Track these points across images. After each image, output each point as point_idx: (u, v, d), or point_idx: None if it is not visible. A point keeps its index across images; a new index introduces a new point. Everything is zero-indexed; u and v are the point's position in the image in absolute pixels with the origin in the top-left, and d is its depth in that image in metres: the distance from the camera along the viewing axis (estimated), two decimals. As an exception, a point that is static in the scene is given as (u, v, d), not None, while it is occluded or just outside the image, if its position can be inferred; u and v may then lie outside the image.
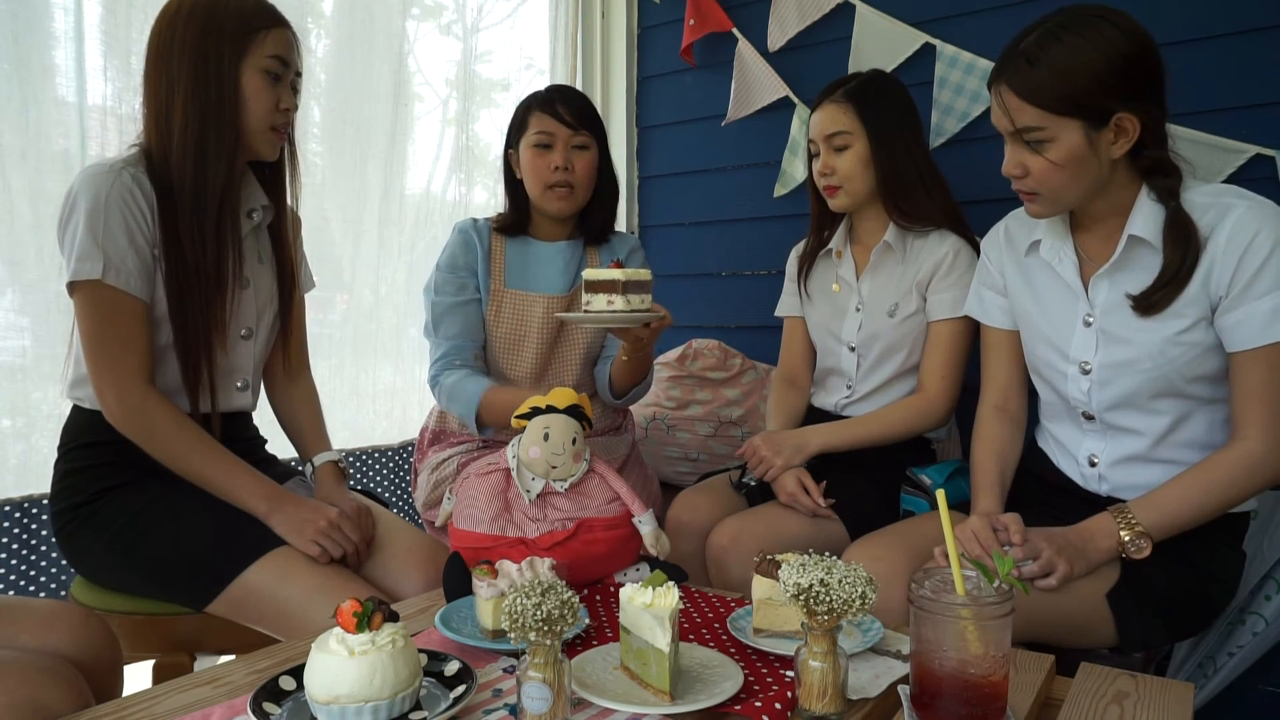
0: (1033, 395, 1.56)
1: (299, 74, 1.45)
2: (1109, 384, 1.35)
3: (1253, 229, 1.23)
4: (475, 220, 1.90)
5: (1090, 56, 1.22)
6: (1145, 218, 1.30)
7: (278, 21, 1.39)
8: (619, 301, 1.47)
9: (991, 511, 1.39)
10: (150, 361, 1.34)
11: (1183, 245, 1.26)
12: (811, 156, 1.80)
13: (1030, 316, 1.47)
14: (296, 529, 1.33)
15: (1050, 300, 1.43)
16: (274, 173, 1.52)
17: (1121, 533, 1.27)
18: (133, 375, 1.32)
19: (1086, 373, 1.37)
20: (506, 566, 1.16)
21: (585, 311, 1.50)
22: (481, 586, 1.12)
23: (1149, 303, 1.29)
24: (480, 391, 1.71)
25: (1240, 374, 1.27)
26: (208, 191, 1.35)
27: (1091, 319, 1.37)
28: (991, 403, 1.55)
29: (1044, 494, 1.48)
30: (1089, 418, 1.40)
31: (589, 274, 1.50)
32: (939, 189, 1.75)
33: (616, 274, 1.46)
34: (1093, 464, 1.41)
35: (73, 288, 1.31)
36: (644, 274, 1.50)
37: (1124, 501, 1.31)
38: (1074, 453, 1.44)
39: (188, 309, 1.36)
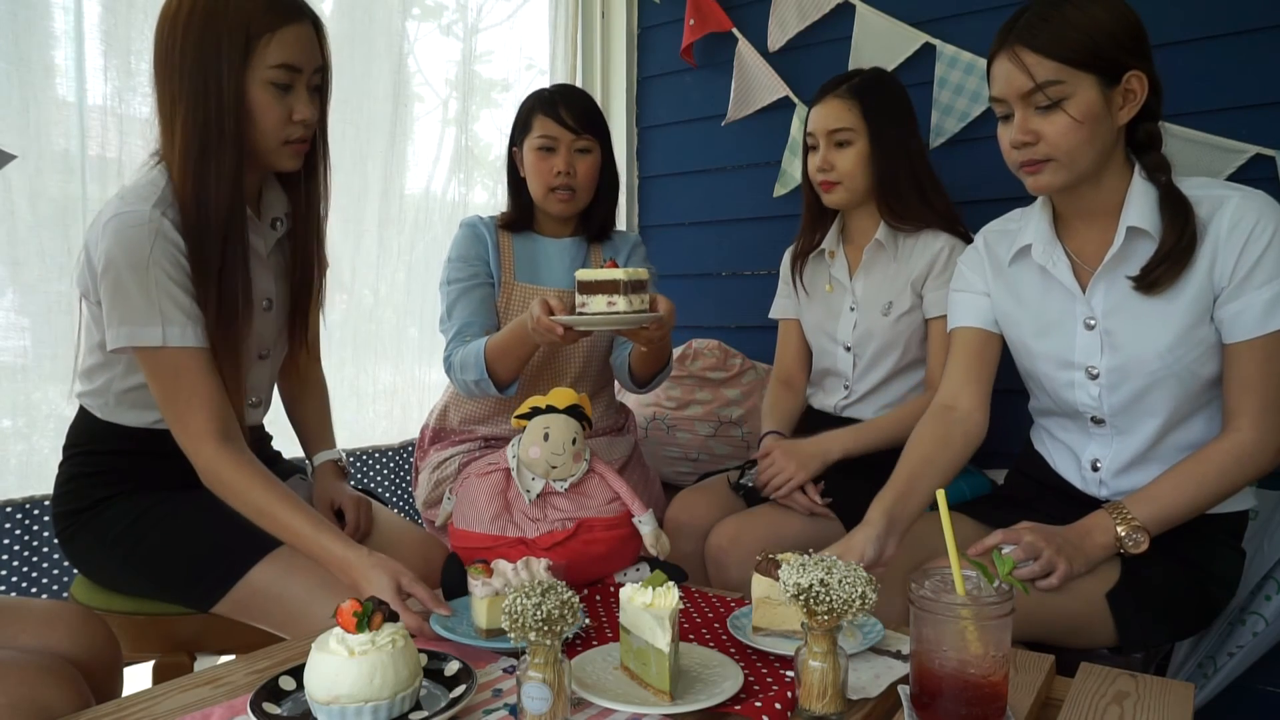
0: (1025, 396, 1.55)
1: (320, 69, 1.33)
2: (1119, 387, 1.34)
3: (1253, 218, 1.23)
4: (480, 217, 1.92)
5: (1101, 15, 1.25)
6: (1140, 207, 1.29)
7: (286, 19, 1.26)
8: (620, 302, 1.41)
9: (871, 522, 1.29)
10: (219, 410, 1.27)
11: (1180, 221, 1.26)
12: (808, 151, 1.80)
13: (1022, 327, 1.44)
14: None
15: (1044, 307, 1.40)
16: (300, 180, 1.43)
17: (1118, 528, 1.27)
18: (200, 435, 1.26)
19: (1095, 377, 1.36)
20: (502, 566, 1.15)
21: (580, 313, 1.44)
22: (476, 586, 1.12)
23: (1150, 280, 1.27)
24: (482, 347, 1.68)
25: (1235, 364, 1.26)
26: (211, 221, 1.26)
27: (1093, 321, 1.35)
28: (940, 400, 1.49)
29: (1040, 496, 1.48)
30: (1098, 421, 1.39)
31: (582, 274, 1.44)
32: (935, 192, 1.75)
33: (618, 274, 1.41)
34: (1095, 469, 1.41)
35: (132, 349, 1.25)
36: (642, 273, 1.46)
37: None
38: (1078, 455, 1.43)
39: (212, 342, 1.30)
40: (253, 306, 1.34)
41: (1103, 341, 1.34)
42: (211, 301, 1.28)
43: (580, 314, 1.44)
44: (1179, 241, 1.25)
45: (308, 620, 1.24)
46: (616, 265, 1.44)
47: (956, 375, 1.50)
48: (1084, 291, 1.36)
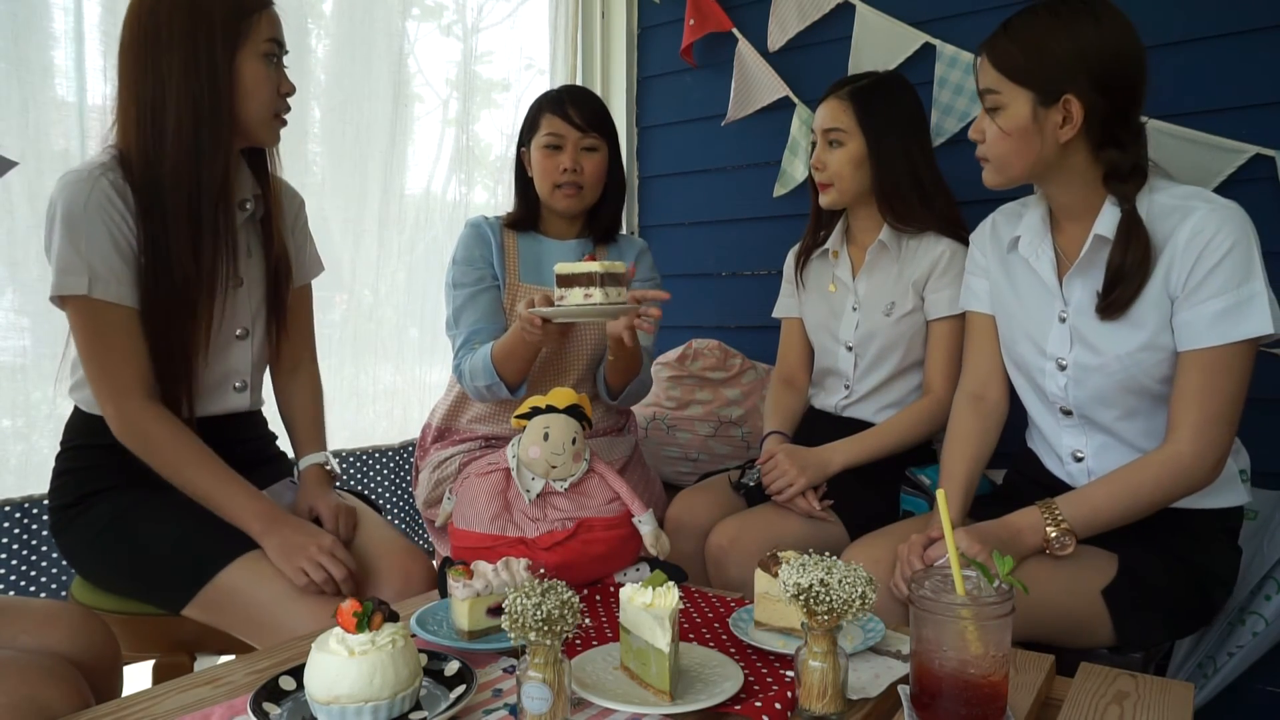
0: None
1: (286, 52, 1.41)
2: (1084, 381, 1.36)
3: (1212, 230, 1.22)
4: (485, 217, 1.93)
5: (1058, 39, 1.27)
6: (1111, 218, 1.31)
7: (268, 1, 1.35)
8: (597, 294, 1.43)
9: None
10: (146, 369, 1.31)
11: (1124, 244, 1.27)
12: (814, 149, 1.81)
13: (1011, 311, 1.47)
14: (286, 555, 1.27)
15: (1029, 296, 1.43)
16: (261, 159, 1.47)
17: (1048, 529, 1.28)
18: (127, 389, 1.29)
19: (1063, 369, 1.38)
20: (482, 567, 1.15)
21: (558, 305, 1.47)
22: (457, 587, 1.12)
23: (1106, 304, 1.30)
24: (489, 353, 1.72)
25: (1180, 375, 1.27)
26: (202, 192, 1.30)
27: (1066, 315, 1.38)
28: (969, 390, 1.54)
29: (1036, 494, 1.48)
30: (1067, 413, 1.40)
31: (561, 268, 1.47)
32: (940, 196, 1.75)
33: (594, 266, 1.44)
34: (1078, 459, 1.41)
35: (61, 301, 1.28)
36: (619, 266, 1.47)
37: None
38: (1057, 450, 1.45)
39: (170, 316, 1.32)
40: (216, 284, 1.37)
41: (1072, 336, 1.37)
42: (180, 276, 1.31)
43: (558, 307, 1.48)
44: (1124, 264, 1.27)
45: (274, 628, 1.23)
46: (596, 259, 1.45)
47: (983, 364, 1.54)
48: (1061, 287, 1.38)
